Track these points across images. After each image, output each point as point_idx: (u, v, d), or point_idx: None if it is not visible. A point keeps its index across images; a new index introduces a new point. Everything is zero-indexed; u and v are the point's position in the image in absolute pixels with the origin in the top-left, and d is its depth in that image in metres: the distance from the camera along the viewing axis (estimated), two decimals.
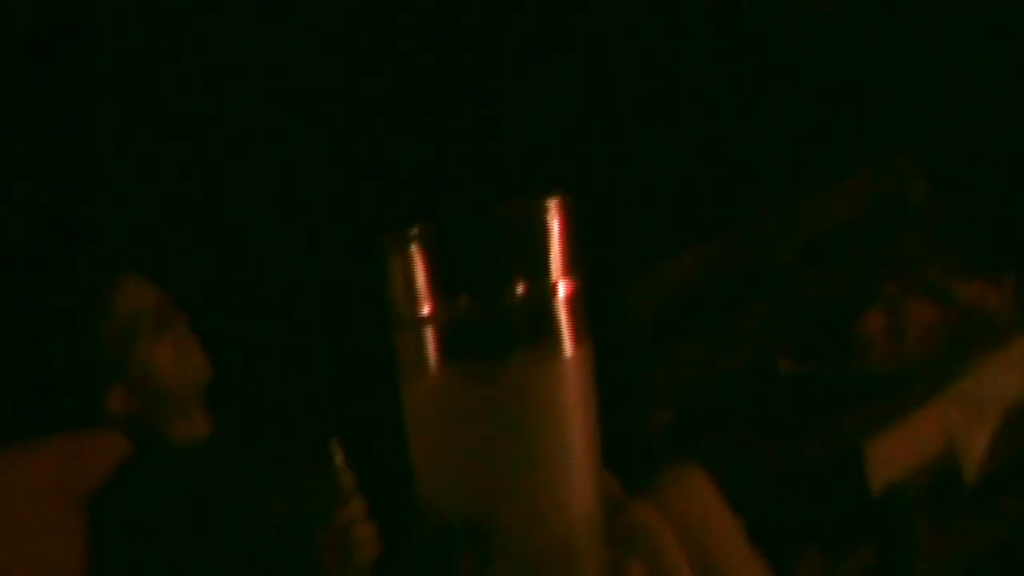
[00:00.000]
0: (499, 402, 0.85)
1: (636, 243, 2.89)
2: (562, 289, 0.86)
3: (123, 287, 2.24)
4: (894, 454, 2.68)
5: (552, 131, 2.90)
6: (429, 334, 0.87)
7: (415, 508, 0.95)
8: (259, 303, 2.81)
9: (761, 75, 3.05)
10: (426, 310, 0.86)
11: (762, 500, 2.21)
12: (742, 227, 2.87)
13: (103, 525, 2.08)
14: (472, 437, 0.85)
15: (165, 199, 2.84)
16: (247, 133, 2.69)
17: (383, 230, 0.90)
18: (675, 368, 2.73)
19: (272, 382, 2.87)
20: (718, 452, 2.41)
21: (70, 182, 2.73)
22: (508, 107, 2.89)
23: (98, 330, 2.23)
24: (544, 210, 0.86)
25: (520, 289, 0.86)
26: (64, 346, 2.28)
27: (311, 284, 2.67)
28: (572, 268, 0.87)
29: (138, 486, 2.08)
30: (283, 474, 2.31)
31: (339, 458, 1.95)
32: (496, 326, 0.86)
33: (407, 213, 0.90)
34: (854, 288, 2.99)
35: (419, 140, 2.88)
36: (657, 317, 2.57)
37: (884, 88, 3.27)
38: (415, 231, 0.85)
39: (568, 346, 0.86)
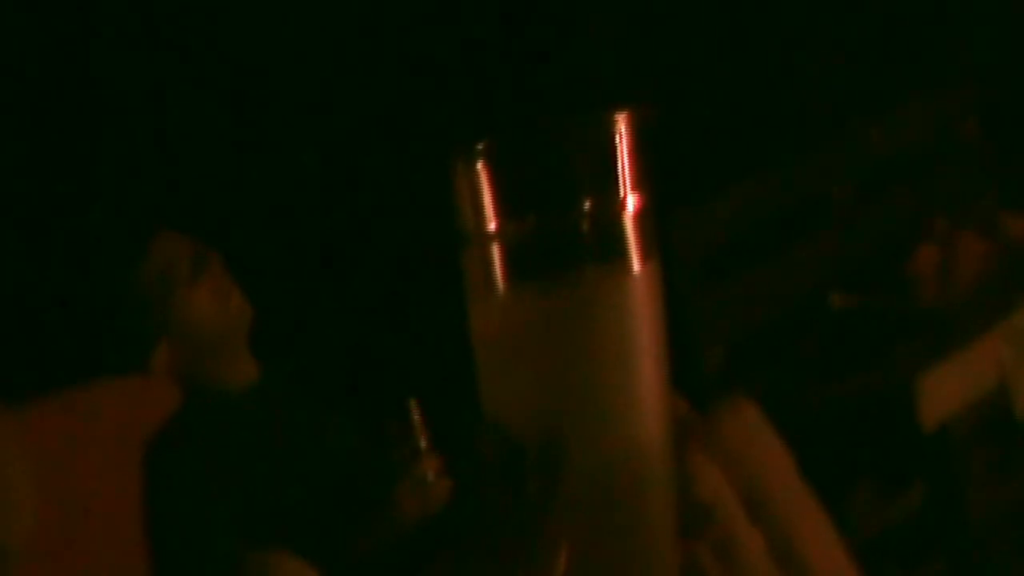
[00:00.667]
0: (566, 319, 0.84)
1: (685, 177, 2.87)
2: (631, 204, 0.84)
3: (156, 241, 2.22)
4: (945, 390, 2.66)
5: (605, 57, 2.87)
6: (496, 251, 0.85)
7: (482, 439, 0.94)
8: (316, 236, 2.81)
9: (815, 6, 2.99)
10: (493, 226, 0.84)
11: (814, 436, 2.20)
12: (795, 161, 2.83)
13: (160, 475, 2.09)
14: (539, 355, 0.84)
15: (202, 132, 2.83)
16: (303, 51, 2.66)
17: (448, 148, 0.88)
18: (727, 305, 2.71)
19: (329, 328, 2.86)
20: (770, 388, 2.39)
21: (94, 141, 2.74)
22: (566, 29, 2.86)
23: (135, 288, 2.22)
24: (613, 123, 0.84)
25: (588, 204, 0.84)
26: (102, 307, 2.28)
27: (374, 216, 2.65)
28: (641, 183, 0.85)
29: (192, 435, 2.09)
30: (345, 422, 2.30)
31: (416, 415, 1.96)
32: (563, 242, 0.85)
33: (471, 130, 0.88)
34: (906, 223, 2.94)
35: (481, 59, 2.85)
36: (708, 253, 2.54)
37: (938, 22, 3.20)
38: (481, 146, 0.84)
39: (637, 262, 0.85)
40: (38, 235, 2.66)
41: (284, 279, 2.47)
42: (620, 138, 0.88)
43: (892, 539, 2.63)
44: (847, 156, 2.84)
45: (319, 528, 1.84)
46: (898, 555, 2.62)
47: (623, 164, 0.87)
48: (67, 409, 2.55)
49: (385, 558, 1.88)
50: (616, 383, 0.86)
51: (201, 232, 2.17)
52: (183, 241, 2.20)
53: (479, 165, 0.86)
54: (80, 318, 2.37)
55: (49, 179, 2.60)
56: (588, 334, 0.86)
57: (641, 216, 0.89)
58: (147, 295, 2.18)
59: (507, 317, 0.88)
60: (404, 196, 2.62)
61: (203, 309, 2.23)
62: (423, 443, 1.81)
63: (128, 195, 2.73)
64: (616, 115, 0.87)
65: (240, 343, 2.18)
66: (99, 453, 2.53)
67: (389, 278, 2.67)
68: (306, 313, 2.62)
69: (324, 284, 2.71)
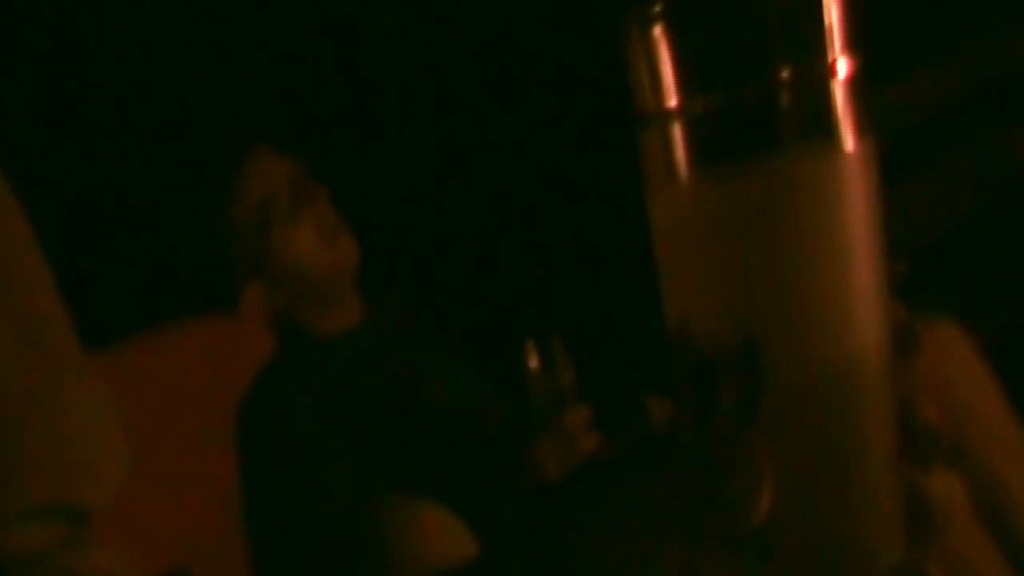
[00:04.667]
0: (765, 208, 0.83)
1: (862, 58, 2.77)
2: (841, 69, 0.83)
3: (250, 166, 2.18)
4: None
5: None
6: (678, 131, 0.85)
7: (639, 412, 0.94)
8: (435, 143, 2.80)
9: None
10: (674, 102, 0.84)
11: (1012, 358, 2.15)
12: (982, 42, 2.73)
13: (255, 433, 2.09)
14: (733, 250, 0.83)
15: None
16: None
17: (619, 11, 0.88)
18: (909, 209, 2.65)
19: (454, 255, 2.84)
20: (962, 305, 2.35)
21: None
22: None
23: (225, 222, 2.20)
24: None
25: (787, 72, 0.84)
26: (189, 241, 2.27)
27: (513, 94, 2.59)
28: (852, 44, 0.84)
29: (289, 388, 2.09)
30: (469, 365, 2.27)
31: (559, 354, 1.92)
32: (759, 118, 0.84)
33: None
34: None
35: None
36: (886, 149, 2.48)
37: None
38: (658, 7, 0.83)
39: (849, 139, 0.84)
40: (115, 150, 2.72)
41: (394, 189, 2.48)
42: None
43: None
44: None
45: (442, 493, 1.83)
46: None
47: (831, 20, 0.86)
48: (149, 351, 2.62)
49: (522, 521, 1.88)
50: (825, 283, 0.86)
51: (306, 156, 2.15)
52: (285, 165, 2.14)
53: (656, 30, 0.85)
54: (158, 249, 2.41)
55: (135, 89, 2.67)
56: (791, 226, 0.86)
57: (853, 84, 0.88)
58: (235, 230, 2.15)
59: (693, 208, 0.88)
60: (545, 70, 2.58)
61: (304, 252, 2.19)
62: (568, 389, 1.79)
63: (223, 105, 2.78)
64: None
65: (346, 288, 2.14)
66: (186, 400, 2.61)
67: (521, 176, 2.63)
68: (420, 230, 2.63)
69: (442, 190, 2.69)
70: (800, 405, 0.87)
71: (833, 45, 0.87)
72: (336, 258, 2.17)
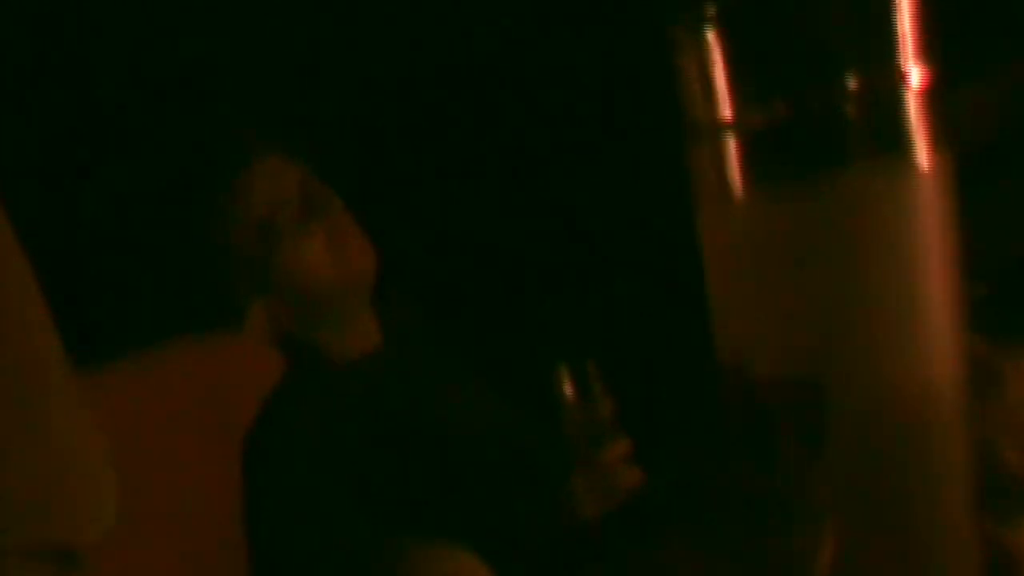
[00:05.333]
0: (829, 230, 0.84)
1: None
2: (914, 78, 0.84)
3: (256, 172, 2.17)
4: None
5: None
6: (732, 145, 0.86)
7: (687, 449, 0.95)
8: (465, 144, 2.79)
9: None
10: (728, 113, 0.85)
11: None
12: None
13: (262, 468, 2.08)
14: (792, 276, 0.84)
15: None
16: None
17: (669, 13, 0.89)
18: (988, 226, 2.63)
19: (482, 269, 2.83)
20: None
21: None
22: None
23: (228, 234, 2.17)
24: None
25: (854, 81, 0.84)
26: (189, 255, 2.26)
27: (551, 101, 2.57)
28: (927, 50, 0.84)
29: (300, 418, 2.07)
30: (497, 392, 2.26)
31: (596, 383, 1.89)
32: (822, 131, 0.85)
33: None
34: None
35: None
36: (963, 162, 2.47)
37: None
38: (712, 9, 0.84)
39: (922, 156, 0.84)
40: (108, 154, 2.74)
41: (416, 198, 2.47)
42: None
43: None
44: None
45: (468, 536, 1.81)
46: None
47: (903, 23, 0.86)
48: (145, 374, 2.63)
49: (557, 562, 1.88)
50: (895, 313, 0.86)
51: (318, 161, 2.13)
52: (295, 171, 2.10)
53: (709, 34, 0.86)
54: (155, 262, 2.41)
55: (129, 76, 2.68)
56: (858, 249, 0.86)
57: (927, 95, 0.88)
58: (240, 243, 2.11)
59: (748, 230, 0.88)
60: (587, 76, 2.57)
61: (315, 266, 2.13)
62: (606, 420, 1.77)
63: (226, 105, 2.78)
64: None
65: (362, 306, 2.11)
66: (185, 428, 2.61)
67: (557, 180, 2.61)
68: (443, 243, 2.63)
69: (468, 196, 2.67)
70: (867, 448, 0.87)
71: (906, 52, 0.87)
72: (350, 273, 2.15)
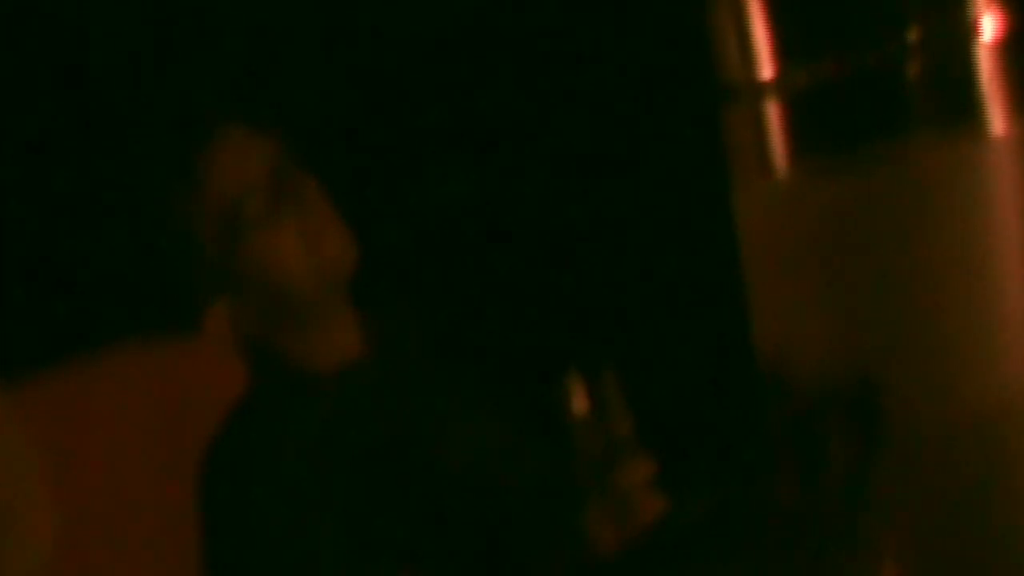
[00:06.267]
0: (887, 208, 0.83)
1: None
2: (987, 29, 0.83)
3: (218, 149, 2.18)
4: None
5: None
6: (774, 110, 0.86)
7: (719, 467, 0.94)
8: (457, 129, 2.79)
9: None
10: (769, 73, 0.85)
11: None
12: None
13: (222, 493, 2.09)
14: (844, 262, 0.84)
15: None
16: None
17: None
18: None
19: (479, 269, 2.85)
20: None
21: None
22: None
23: (186, 222, 2.19)
24: None
25: (915, 33, 0.84)
26: (139, 246, 2.28)
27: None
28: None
29: (267, 436, 2.08)
30: (497, 410, 2.28)
31: (612, 395, 1.88)
32: (878, 93, 0.85)
33: None
34: None
35: None
36: None
37: None
38: None
39: (997, 119, 0.84)
40: (44, 130, 2.73)
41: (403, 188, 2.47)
42: None
43: None
44: None
45: (463, 572, 1.81)
46: None
47: None
48: (86, 381, 2.62)
49: None
50: (965, 305, 0.86)
51: (293, 137, 2.13)
52: (264, 149, 2.09)
53: None
54: (99, 255, 2.43)
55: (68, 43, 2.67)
56: (922, 230, 0.86)
57: (1004, 49, 0.88)
58: (198, 232, 2.11)
59: (794, 207, 0.88)
60: (600, 34, 2.56)
61: (286, 261, 2.13)
62: (623, 438, 1.76)
63: (185, 70, 2.78)
64: None
65: (337, 305, 2.10)
66: (132, 443, 2.60)
67: (564, 161, 2.60)
68: (437, 233, 2.63)
69: (466, 181, 2.68)
70: (931, 463, 0.87)
71: (975, 2, 0.87)
72: (327, 268, 2.15)
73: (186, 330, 2.05)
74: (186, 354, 2.42)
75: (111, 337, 2.52)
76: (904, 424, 0.88)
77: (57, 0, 2.67)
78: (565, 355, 1.81)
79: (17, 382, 2.24)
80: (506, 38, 2.63)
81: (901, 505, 0.88)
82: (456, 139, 2.64)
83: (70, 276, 2.65)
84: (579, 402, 1.74)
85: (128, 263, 2.11)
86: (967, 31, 0.83)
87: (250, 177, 1.97)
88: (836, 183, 0.84)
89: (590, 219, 2.51)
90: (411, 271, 2.69)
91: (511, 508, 1.90)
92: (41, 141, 2.68)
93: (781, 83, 0.85)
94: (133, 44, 2.77)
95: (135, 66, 2.76)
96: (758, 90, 0.85)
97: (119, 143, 2.47)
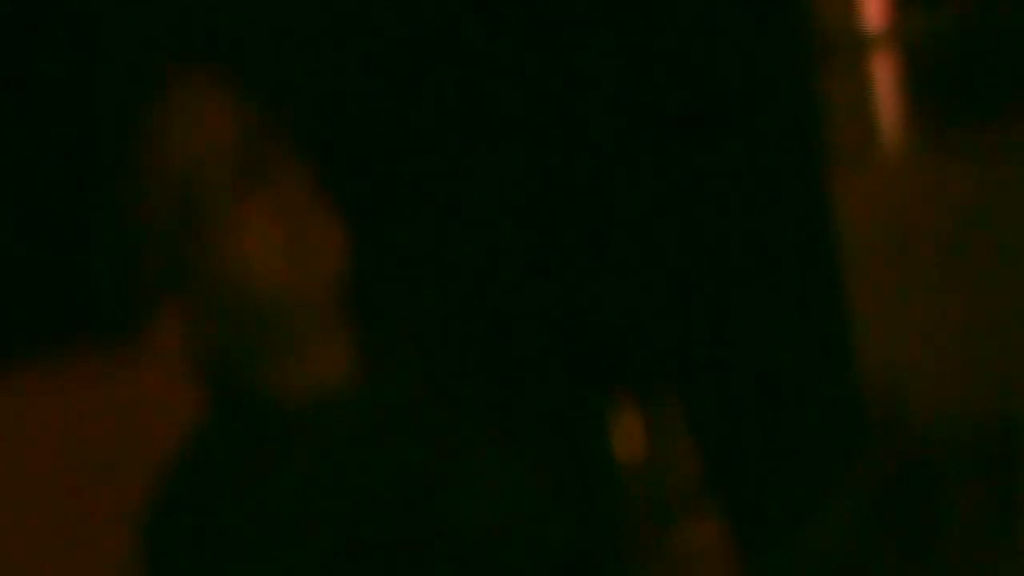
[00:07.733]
0: (1022, 201, 0.84)
1: None
2: None
3: (173, 106, 2.16)
4: None
5: None
6: (886, 70, 0.86)
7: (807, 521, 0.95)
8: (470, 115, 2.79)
9: None
10: (883, 24, 0.85)
11: None
12: None
13: (167, 540, 2.09)
14: (974, 263, 0.84)
15: None
16: None
17: None
18: None
19: (491, 280, 2.84)
20: None
21: None
22: None
23: (129, 201, 2.18)
24: None
25: None
26: (70, 232, 2.28)
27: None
28: None
29: (223, 477, 2.07)
30: (520, 455, 2.25)
31: (673, 429, 1.85)
32: (1015, 51, 0.85)
33: None
34: None
35: None
36: None
37: None
38: None
39: None
40: None
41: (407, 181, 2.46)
42: None
43: None
44: None
45: None
46: None
47: None
48: (11, 392, 2.63)
49: None
50: None
51: (271, 93, 2.11)
52: (232, 108, 2.06)
53: None
54: (21, 244, 2.43)
55: None
56: None
57: None
58: (144, 214, 2.10)
59: (908, 201, 0.88)
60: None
61: (253, 256, 2.09)
62: (687, 484, 1.73)
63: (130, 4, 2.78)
64: None
65: (320, 318, 2.07)
66: (64, 466, 2.61)
67: (610, 134, 2.58)
68: (447, 228, 2.62)
69: (484, 161, 2.66)
70: None
71: None
72: (308, 268, 2.13)
73: (127, 338, 2.05)
74: (125, 367, 2.43)
75: (37, 344, 2.53)
76: None
77: None
78: (610, 375, 1.81)
79: None
80: None
81: None
82: (495, 119, 2.63)
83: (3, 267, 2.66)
84: (630, 439, 1.74)
85: (65, 253, 2.11)
86: None
87: (214, 137, 1.94)
88: (961, 167, 0.85)
89: (647, 211, 2.49)
90: (413, 279, 2.68)
91: (532, 570, 1.90)
92: None
93: (897, 34, 0.85)
94: None
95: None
96: (866, 44, 0.85)
97: (57, 99, 2.48)
